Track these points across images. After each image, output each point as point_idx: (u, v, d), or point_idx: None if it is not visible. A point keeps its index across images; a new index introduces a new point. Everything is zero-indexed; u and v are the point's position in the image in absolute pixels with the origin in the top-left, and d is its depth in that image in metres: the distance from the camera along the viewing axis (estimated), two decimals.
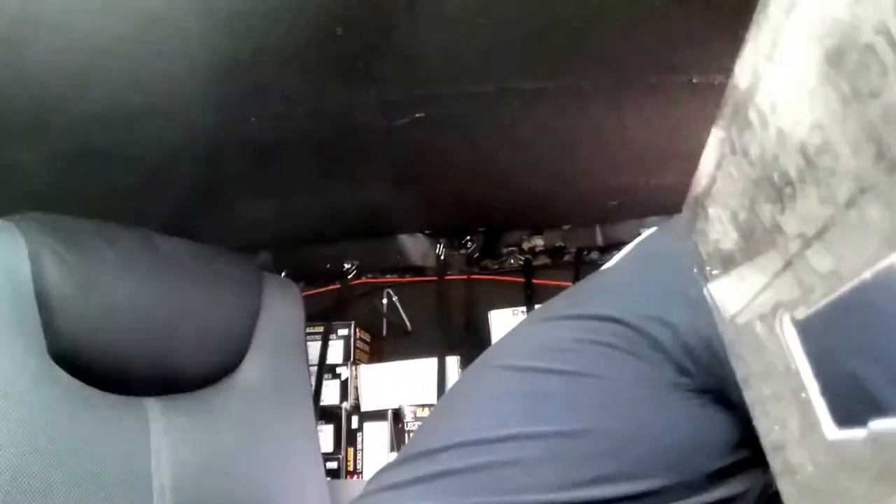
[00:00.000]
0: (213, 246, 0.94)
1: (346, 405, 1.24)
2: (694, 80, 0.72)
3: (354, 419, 1.23)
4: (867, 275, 0.16)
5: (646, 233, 0.62)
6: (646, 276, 0.54)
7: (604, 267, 0.63)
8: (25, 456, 0.61)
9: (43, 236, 0.71)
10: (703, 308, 0.39)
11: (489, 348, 0.64)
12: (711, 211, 0.26)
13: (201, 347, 0.86)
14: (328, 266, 1.35)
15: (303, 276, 1.38)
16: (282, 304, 1.01)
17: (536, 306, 1.22)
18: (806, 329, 0.20)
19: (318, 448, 1.03)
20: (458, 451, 0.52)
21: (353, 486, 1.17)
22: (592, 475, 0.47)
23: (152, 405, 0.78)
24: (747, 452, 0.48)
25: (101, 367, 0.73)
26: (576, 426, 0.49)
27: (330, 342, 1.28)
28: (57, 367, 0.69)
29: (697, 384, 0.48)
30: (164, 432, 0.77)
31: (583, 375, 0.50)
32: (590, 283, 0.61)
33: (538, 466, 0.49)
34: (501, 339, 0.63)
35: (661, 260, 0.53)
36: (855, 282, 0.16)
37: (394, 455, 1.19)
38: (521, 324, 0.64)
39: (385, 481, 0.55)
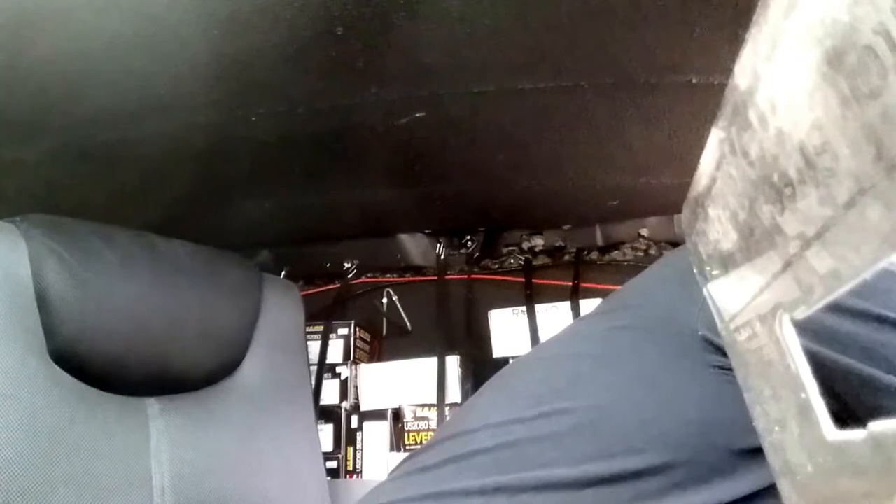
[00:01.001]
0: (213, 247, 0.94)
1: (345, 404, 1.24)
2: (693, 81, 0.72)
3: (354, 418, 1.23)
4: (867, 275, 0.16)
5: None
6: (676, 268, 0.56)
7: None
8: (25, 455, 0.61)
9: (43, 238, 0.71)
10: None
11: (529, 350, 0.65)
12: (711, 211, 0.26)
13: (201, 348, 0.86)
14: (328, 265, 1.35)
15: (303, 275, 1.39)
16: (282, 306, 1.01)
17: (537, 306, 1.22)
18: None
19: (319, 448, 1.03)
20: (491, 430, 0.53)
21: (353, 486, 1.17)
22: (620, 447, 0.48)
23: (152, 405, 0.78)
24: None
25: (101, 367, 0.73)
26: (604, 401, 0.50)
27: (330, 341, 1.28)
28: (57, 368, 0.69)
29: (728, 361, 0.48)
30: (164, 432, 0.77)
31: (612, 356, 0.52)
32: (627, 283, 0.63)
33: (567, 439, 0.49)
34: (544, 341, 0.65)
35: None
36: (855, 282, 0.17)
37: (394, 454, 1.19)
38: (564, 327, 0.66)
39: (418, 464, 0.56)
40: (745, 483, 0.48)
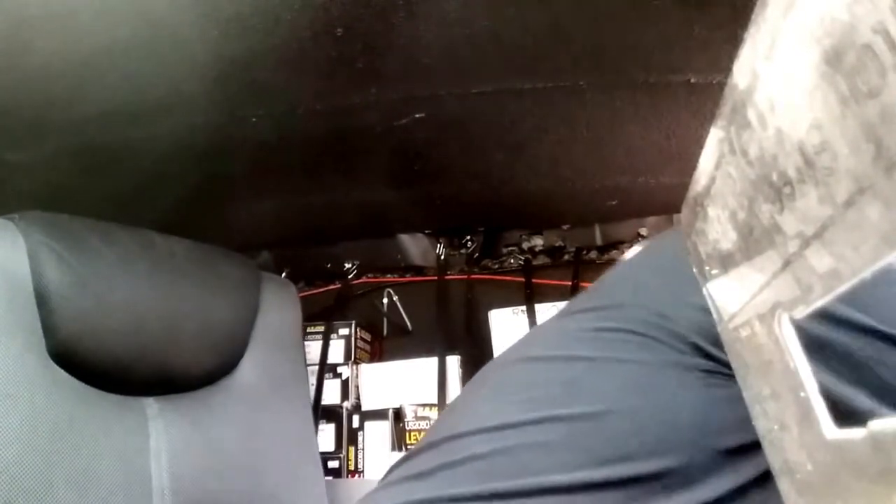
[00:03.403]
0: (212, 245, 0.94)
1: (347, 404, 1.24)
2: (692, 80, 0.72)
3: (355, 418, 1.23)
4: (866, 274, 0.16)
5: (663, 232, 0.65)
6: (662, 264, 0.56)
7: (621, 261, 0.65)
8: (25, 455, 0.61)
9: (42, 235, 0.71)
10: None
11: (512, 345, 0.65)
12: (710, 211, 0.26)
13: (200, 347, 0.86)
14: (329, 266, 1.35)
15: (303, 275, 1.39)
16: (279, 304, 1.01)
17: (537, 306, 1.22)
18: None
19: (316, 447, 1.03)
20: (484, 435, 0.53)
21: (355, 486, 1.17)
22: (614, 454, 0.49)
23: (151, 405, 0.78)
24: None
25: (101, 366, 0.73)
26: (598, 408, 0.50)
27: (331, 342, 1.28)
28: (56, 367, 0.69)
29: (716, 364, 0.49)
30: (163, 432, 0.77)
31: (604, 360, 0.52)
32: (609, 276, 0.63)
33: (562, 447, 0.50)
34: (525, 336, 0.65)
35: (677, 249, 0.56)
36: (854, 281, 0.17)
37: (395, 454, 1.19)
38: (545, 322, 0.65)
39: (412, 469, 0.55)
40: (728, 480, 0.48)
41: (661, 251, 0.60)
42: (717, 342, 0.48)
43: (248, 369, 0.93)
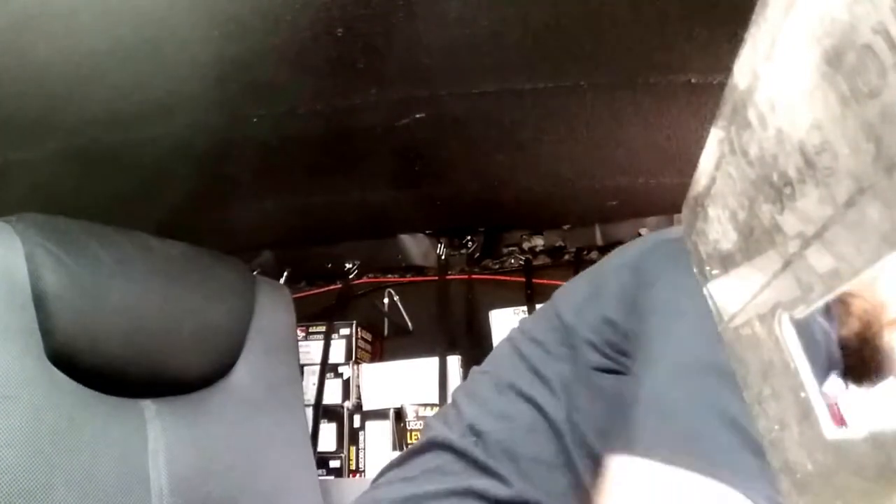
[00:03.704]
0: (208, 249, 0.94)
1: (348, 404, 1.24)
2: (692, 80, 0.72)
3: (356, 418, 1.23)
4: (866, 274, 0.16)
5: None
6: (586, 281, 0.66)
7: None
8: (25, 456, 0.62)
9: (39, 237, 0.71)
10: (622, 302, 0.57)
11: (490, 354, 0.74)
12: (711, 211, 0.26)
13: (196, 349, 0.86)
14: (330, 266, 1.35)
15: (304, 275, 1.39)
16: (273, 307, 1.01)
17: (537, 306, 1.22)
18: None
19: (310, 448, 1.04)
20: (455, 444, 0.62)
21: (356, 485, 1.17)
22: (529, 466, 0.58)
23: (149, 407, 0.78)
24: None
25: (98, 368, 0.73)
26: (526, 419, 0.60)
27: (332, 341, 1.28)
28: (55, 369, 0.69)
29: (615, 367, 0.58)
30: (161, 433, 0.77)
31: (533, 372, 0.62)
32: (565, 286, 0.71)
33: (492, 459, 0.60)
34: (496, 348, 0.74)
35: (603, 266, 0.66)
36: (854, 281, 0.17)
37: (396, 454, 1.19)
38: (509, 334, 0.74)
39: (398, 475, 0.65)
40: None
41: (601, 267, 0.68)
42: (616, 345, 0.57)
43: (243, 372, 0.93)
